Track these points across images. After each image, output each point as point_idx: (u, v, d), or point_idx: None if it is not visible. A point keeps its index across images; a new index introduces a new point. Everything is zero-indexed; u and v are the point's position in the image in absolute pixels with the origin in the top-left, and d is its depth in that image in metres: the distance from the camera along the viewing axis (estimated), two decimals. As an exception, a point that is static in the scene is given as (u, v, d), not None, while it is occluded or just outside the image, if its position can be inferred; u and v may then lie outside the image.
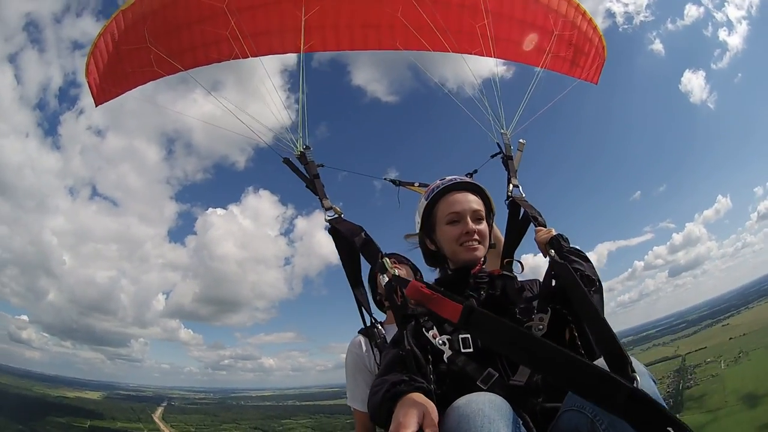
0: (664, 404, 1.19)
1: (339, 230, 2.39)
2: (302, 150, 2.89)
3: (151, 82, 3.71)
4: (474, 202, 2.13)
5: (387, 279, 1.98)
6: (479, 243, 2.10)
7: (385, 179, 3.72)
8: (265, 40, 3.75)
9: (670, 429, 0.98)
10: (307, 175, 2.82)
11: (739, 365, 75.18)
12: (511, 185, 2.78)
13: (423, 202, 2.23)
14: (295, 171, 2.86)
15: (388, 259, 2.04)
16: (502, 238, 2.49)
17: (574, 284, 1.61)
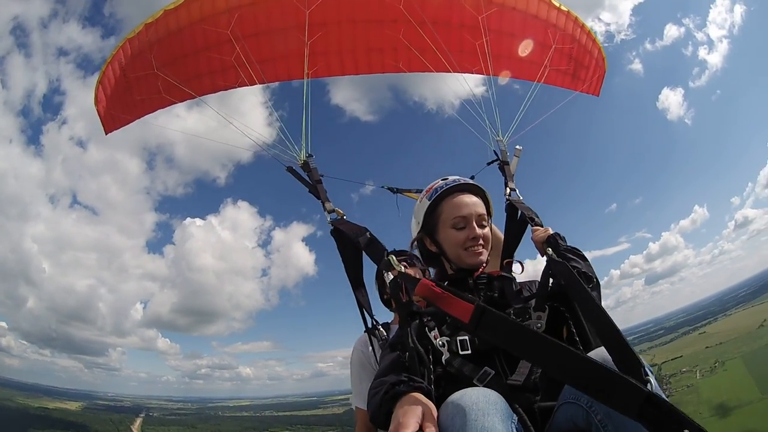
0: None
1: (342, 231, 2.52)
2: (305, 159, 3.19)
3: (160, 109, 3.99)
4: (478, 205, 2.24)
5: (392, 276, 2.06)
6: (483, 247, 2.21)
7: (382, 187, 3.96)
8: (270, 66, 4.04)
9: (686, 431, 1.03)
10: (309, 181, 3.08)
11: (714, 375, 77.63)
12: (508, 189, 2.97)
13: (425, 202, 2.30)
14: (298, 178, 3.13)
15: (394, 257, 2.12)
16: (502, 237, 2.71)
17: (574, 281, 1.69)
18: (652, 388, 1.18)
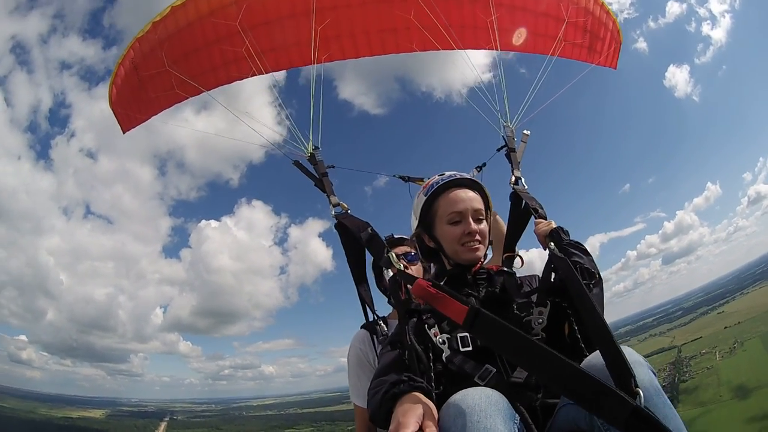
0: (668, 401, 1.31)
1: (345, 225, 2.54)
2: (311, 151, 3.17)
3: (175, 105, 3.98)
4: (475, 200, 2.23)
5: (392, 273, 2.09)
6: (480, 243, 2.21)
7: (394, 176, 3.95)
8: (282, 54, 4.01)
9: None
10: (316, 174, 3.07)
11: (733, 356, 77.81)
12: (513, 177, 2.90)
13: (422, 198, 2.32)
14: (304, 171, 3.11)
15: (394, 254, 2.15)
16: (505, 229, 2.67)
17: (573, 279, 1.69)
18: (641, 400, 1.18)
